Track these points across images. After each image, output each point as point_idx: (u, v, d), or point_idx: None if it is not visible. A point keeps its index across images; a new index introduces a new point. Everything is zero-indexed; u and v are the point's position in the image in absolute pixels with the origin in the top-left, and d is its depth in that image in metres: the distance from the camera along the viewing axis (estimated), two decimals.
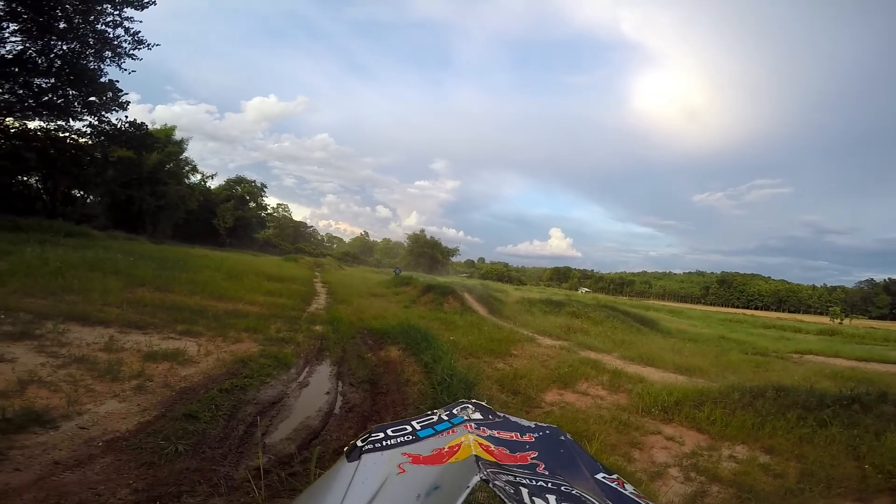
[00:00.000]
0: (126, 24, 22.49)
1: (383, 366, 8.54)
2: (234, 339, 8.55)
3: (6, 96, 21.99)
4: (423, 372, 7.50)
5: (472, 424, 1.95)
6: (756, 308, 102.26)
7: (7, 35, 20.34)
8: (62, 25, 20.91)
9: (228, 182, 64.77)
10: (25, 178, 32.30)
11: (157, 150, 36.32)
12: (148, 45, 23.57)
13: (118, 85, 24.11)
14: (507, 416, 2.24)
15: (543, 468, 1.56)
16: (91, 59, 22.87)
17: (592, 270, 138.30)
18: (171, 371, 6.25)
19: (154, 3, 22.48)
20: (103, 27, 22.21)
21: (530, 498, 1.23)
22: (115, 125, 25.22)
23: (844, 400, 6.78)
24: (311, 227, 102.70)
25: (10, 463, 3.48)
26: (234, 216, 59.50)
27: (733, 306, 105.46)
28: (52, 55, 21.63)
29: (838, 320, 51.75)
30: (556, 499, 1.27)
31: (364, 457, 1.65)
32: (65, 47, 21.89)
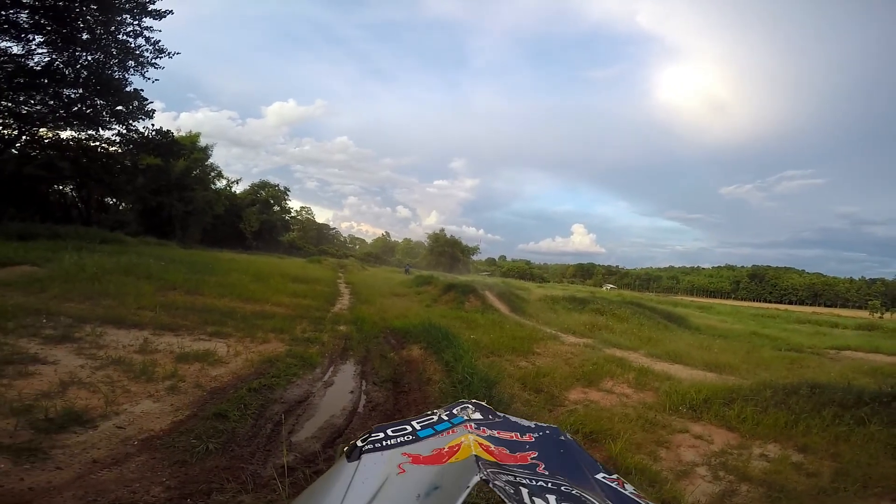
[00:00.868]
0: (146, 33, 23.13)
1: (405, 365, 8.62)
2: (261, 340, 8.76)
3: (38, 107, 22.89)
4: (445, 371, 7.54)
5: (472, 424, 1.95)
6: (790, 302, 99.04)
7: (34, 47, 21.15)
8: (85, 36, 21.58)
9: (253, 186, 66.32)
10: (61, 188, 33.71)
11: (184, 156, 37.30)
12: (169, 53, 24.19)
13: (143, 94, 24.83)
14: (507, 416, 2.24)
15: (543, 468, 1.55)
16: (115, 68, 23.57)
17: (617, 266, 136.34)
18: (202, 371, 6.45)
19: (171, 12, 23.02)
20: (125, 37, 22.88)
21: (530, 498, 1.23)
22: (142, 133, 25.98)
23: (884, 397, 6.51)
24: (334, 228, 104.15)
25: (53, 462, 3.66)
26: (259, 220, 60.82)
27: (765, 301, 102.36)
28: (78, 66, 22.37)
29: (878, 314, 49.49)
30: (556, 499, 1.26)
31: (364, 457, 1.66)
32: (90, 58, 22.61)
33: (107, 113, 24.41)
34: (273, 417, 5.32)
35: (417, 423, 1.98)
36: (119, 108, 24.48)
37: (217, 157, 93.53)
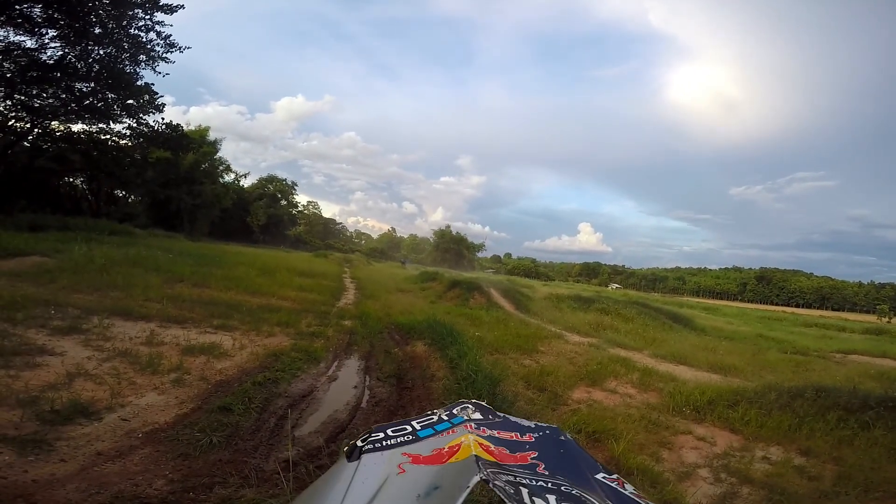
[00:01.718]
0: (158, 28, 23.19)
1: (409, 361, 8.64)
2: (267, 334, 8.82)
3: (50, 100, 23.01)
4: (449, 368, 7.55)
5: (472, 424, 1.95)
6: (797, 305, 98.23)
7: (47, 42, 21.28)
8: (97, 31, 21.65)
9: (261, 181, 66.69)
10: (72, 180, 34.03)
11: (193, 150, 37.60)
12: (180, 48, 24.23)
13: (154, 88, 25.00)
14: (507, 416, 2.24)
15: (543, 468, 1.55)
16: (127, 63, 23.63)
17: (623, 266, 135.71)
18: (207, 364, 6.50)
19: (182, 6, 23.02)
20: (136, 32, 22.94)
21: (530, 498, 1.23)
22: (152, 127, 26.11)
23: (890, 402, 6.46)
24: (340, 223, 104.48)
25: (57, 454, 3.70)
26: (266, 214, 61.18)
27: (773, 303, 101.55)
28: (90, 60, 22.47)
29: (886, 318, 49.05)
30: (556, 499, 1.26)
31: (364, 457, 1.67)
32: (102, 52, 22.71)
33: (118, 107, 24.56)
34: (277, 412, 5.35)
35: (417, 423, 1.98)
36: (130, 101, 24.63)
37: (226, 152, 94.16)
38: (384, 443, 1.79)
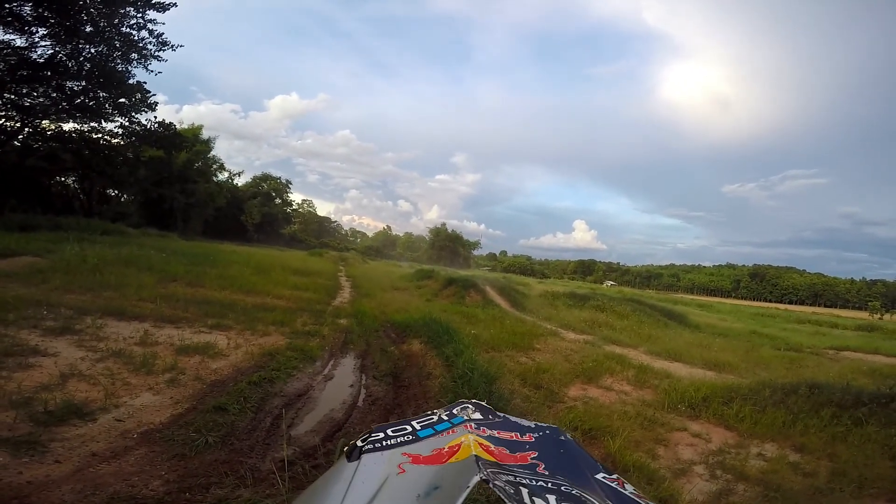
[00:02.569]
0: (149, 26, 23.00)
1: (406, 359, 8.63)
2: (262, 333, 8.77)
3: (41, 99, 22.80)
4: (445, 366, 7.55)
5: (472, 424, 1.95)
6: (790, 302, 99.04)
7: (37, 40, 21.02)
8: (88, 29, 21.46)
9: (255, 179, 66.48)
10: (63, 179, 33.69)
11: (186, 149, 37.33)
12: (172, 46, 24.03)
13: (146, 86, 24.78)
14: (507, 416, 2.25)
15: (543, 468, 1.55)
16: (118, 61, 23.45)
17: (618, 263, 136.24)
18: (202, 364, 6.46)
19: (175, 4, 22.86)
20: (128, 30, 22.75)
21: (530, 498, 1.23)
22: (144, 126, 25.93)
23: (883, 398, 6.53)
24: (335, 222, 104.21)
25: (52, 455, 3.66)
26: (260, 212, 60.96)
27: (766, 300, 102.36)
28: (81, 58, 22.26)
29: (878, 315, 49.47)
30: (556, 499, 1.26)
31: (364, 457, 1.67)
32: (93, 50, 22.49)
33: (109, 105, 24.37)
34: (273, 411, 5.33)
35: (417, 422, 1.98)
36: (122, 100, 24.45)
37: (219, 150, 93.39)
38: (384, 443, 1.78)
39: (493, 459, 1.52)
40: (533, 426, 2.07)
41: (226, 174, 54.12)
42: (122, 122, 25.44)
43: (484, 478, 1.30)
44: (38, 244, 14.06)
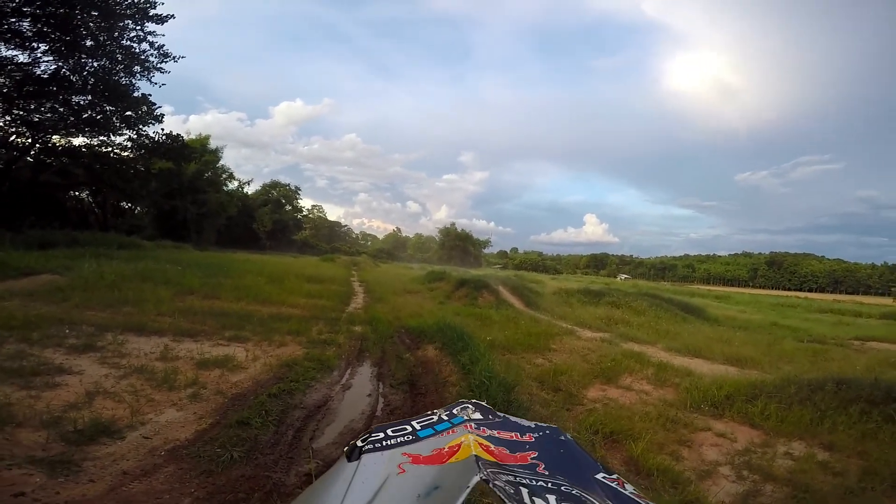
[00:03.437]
0: (150, 38, 23.21)
1: (421, 366, 8.63)
2: (278, 343, 8.84)
3: (49, 115, 23.16)
4: (461, 373, 7.53)
5: (472, 424, 1.97)
6: (810, 290, 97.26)
7: (40, 56, 21.32)
8: (89, 43, 21.67)
9: (265, 187, 67.03)
10: (77, 194, 34.32)
11: (195, 159, 37.70)
12: (174, 57, 24.25)
13: (151, 98, 24.99)
14: (506, 416, 2.26)
15: (543, 468, 1.57)
16: (122, 74, 23.67)
17: (631, 256, 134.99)
18: (222, 378, 6.53)
19: (173, 16, 23.01)
20: (129, 43, 22.95)
21: (530, 498, 1.24)
22: (152, 138, 26.22)
23: None
24: (346, 226, 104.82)
25: (85, 474, 3.73)
26: (272, 220, 61.45)
27: (784, 288, 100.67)
28: (84, 73, 22.52)
29: None
30: (556, 499, 1.27)
31: (364, 457, 1.68)
32: (95, 64, 22.76)
33: (117, 119, 24.65)
34: (294, 423, 5.36)
35: (417, 423, 2.00)
36: (128, 113, 24.69)
37: (227, 159, 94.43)
38: (384, 443, 1.80)
39: (493, 459, 1.54)
40: (533, 426, 2.10)
41: (236, 183, 54.65)
42: (130, 136, 25.79)
43: (484, 478, 1.31)
44: (56, 261, 14.31)
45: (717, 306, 28.69)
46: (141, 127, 25.58)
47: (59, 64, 21.87)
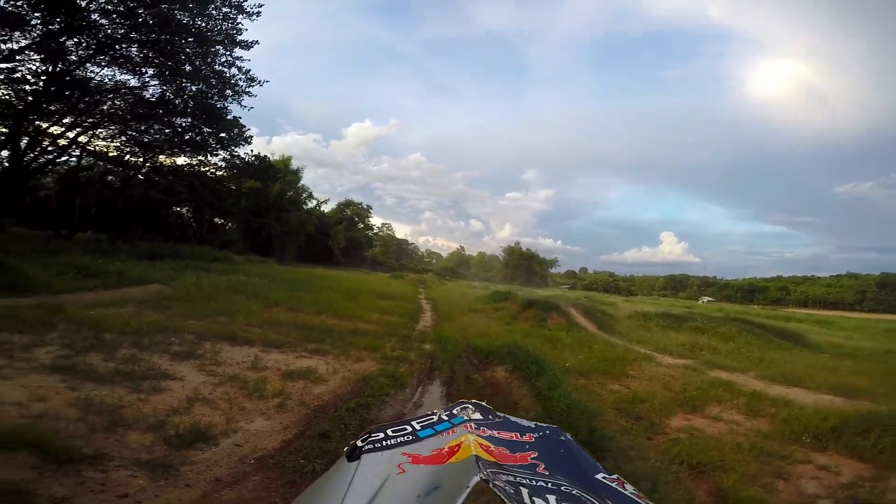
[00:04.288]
0: (238, 63, 24.97)
1: (490, 387, 8.54)
2: (355, 358, 9.17)
3: (156, 136, 25.80)
4: (535, 398, 7.36)
5: (472, 424, 1.95)
6: None
7: (148, 80, 23.75)
8: (188, 68, 23.71)
9: (339, 206, 70.39)
10: (178, 210, 38.13)
11: (279, 179, 40.52)
12: (259, 82, 25.99)
13: (241, 121, 26.88)
14: (507, 416, 2.22)
15: (543, 468, 1.55)
16: (216, 98, 25.66)
17: (714, 277, 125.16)
18: (305, 389, 6.89)
19: (257, 42, 24.63)
20: (220, 67, 24.84)
21: (530, 498, 1.22)
22: (243, 158, 28.46)
23: None
24: (412, 243, 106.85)
25: (182, 479, 4.05)
26: (346, 237, 64.31)
27: None
28: (185, 96, 24.73)
29: None
30: (556, 499, 1.26)
31: (364, 457, 1.70)
32: (194, 88, 24.89)
33: (213, 140, 26.85)
34: None
35: (417, 423, 2.00)
36: (222, 134, 26.79)
37: (307, 179, 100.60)
38: (384, 443, 1.82)
39: (493, 459, 1.53)
40: (533, 426, 2.07)
41: (314, 202, 58.03)
42: (224, 156, 28.05)
43: (484, 478, 1.30)
44: (162, 272, 15.94)
45: (818, 332, 25.89)
46: (233, 148, 27.80)
47: (164, 88, 24.34)
